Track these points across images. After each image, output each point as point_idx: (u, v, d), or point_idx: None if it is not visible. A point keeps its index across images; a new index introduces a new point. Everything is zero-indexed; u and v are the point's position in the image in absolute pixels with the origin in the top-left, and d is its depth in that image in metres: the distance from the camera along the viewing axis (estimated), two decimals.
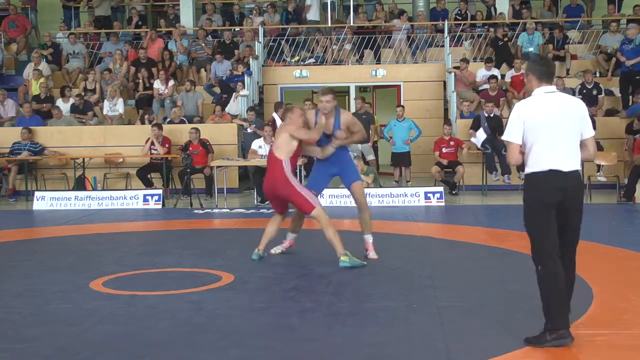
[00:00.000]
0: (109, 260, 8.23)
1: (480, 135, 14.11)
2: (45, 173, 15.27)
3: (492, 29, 17.94)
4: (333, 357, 4.94)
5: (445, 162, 14.15)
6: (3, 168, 15.07)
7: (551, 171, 5.02)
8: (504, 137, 5.19)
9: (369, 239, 8.21)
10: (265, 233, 8.08)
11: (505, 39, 17.35)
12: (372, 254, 8.11)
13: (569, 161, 5.04)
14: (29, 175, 14.90)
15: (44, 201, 13.46)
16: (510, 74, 16.36)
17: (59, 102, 16.17)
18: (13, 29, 19.33)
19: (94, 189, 14.76)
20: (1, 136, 15.50)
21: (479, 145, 13.18)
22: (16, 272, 7.79)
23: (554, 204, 5.06)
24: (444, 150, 14.23)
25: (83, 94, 16.57)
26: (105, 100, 16.22)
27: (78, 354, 5.04)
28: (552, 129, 5.02)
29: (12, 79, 18.52)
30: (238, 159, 14.55)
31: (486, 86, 15.91)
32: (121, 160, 15.16)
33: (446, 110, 16.90)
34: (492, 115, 14.33)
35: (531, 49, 17.12)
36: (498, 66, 16.84)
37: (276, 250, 8.37)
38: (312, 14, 18.87)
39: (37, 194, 13.71)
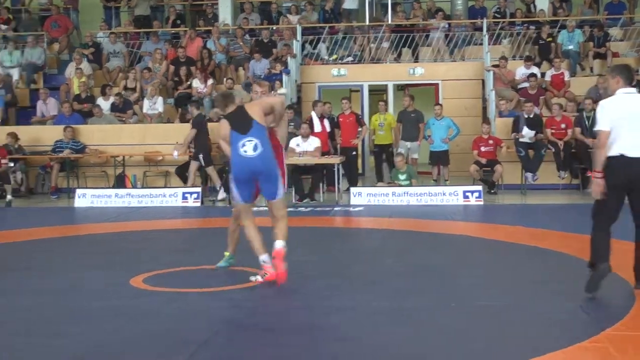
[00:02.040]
0: (148, 258, 8.31)
1: (527, 132, 14.12)
2: (86, 171, 15.45)
3: (532, 27, 17.80)
4: (371, 356, 4.93)
5: (483, 160, 14.05)
6: (46, 166, 15.29)
7: (620, 156, 6.04)
8: (596, 128, 6.26)
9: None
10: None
11: (549, 39, 17.18)
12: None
13: (636, 149, 6.02)
14: (70, 173, 15.09)
15: (85, 198, 13.63)
16: (550, 72, 16.19)
17: (100, 101, 16.36)
18: (55, 29, 19.57)
19: (134, 186, 14.90)
20: (44, 134, 15.72)
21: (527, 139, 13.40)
22: (57, 268, 7.91)
23: (620, 184, 6.06)
24: (482, 149, 14.14)
25: (123, 92, 16.74)
26: (145, 99, 16.37)
27: (117, 350, 5.09)
28: (625, 121, 6.07)
29: (55, 78, 18.76)
30: None
31: (525, 84, 15.77)
32: (160, 158, 15.29)
33: (484, 108, 16.79)
34: (531, 115, 14.22)
35: (571, 47, 16.95)
36: (538, 64, 16.69)
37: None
38: (349, 3, 18.88)
39: (78, 191, 13.89)
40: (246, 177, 6.92)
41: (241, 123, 6.94)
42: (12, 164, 14.66)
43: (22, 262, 8.31)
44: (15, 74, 17.95)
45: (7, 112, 16.87)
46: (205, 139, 14.07)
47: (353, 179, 14.65)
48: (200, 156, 13.92)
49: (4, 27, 19.70)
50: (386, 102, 16.49)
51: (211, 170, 14.09)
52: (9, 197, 13.80)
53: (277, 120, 7.25)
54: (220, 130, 7.20)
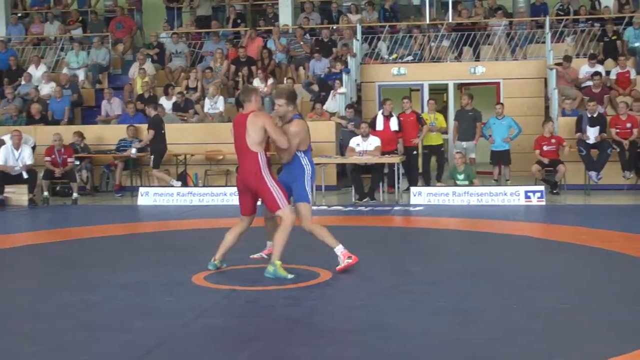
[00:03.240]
0: (210, 255, 8.38)
1: (592, 132, 13.91)
2: (149, 169, 15.68)
3: (596, 24, 17.49)
4: (431, 357, 4.92)
5: (546, 160, 13.86)
6: (110, 164, 15.59)
7: None
8: None
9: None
10: (223, 242, 7.54)
11: (614, 36, 16.86)
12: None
13: None
14: (133, 171, 15.36)
15: (148, 197, 13.85)
16: (615, 70, 15.88)
17: (162, 100, 16.61)
18: (120, 30, 19.94)
19: (195, 185, 15.09)
20: (108, 133, 16.04)
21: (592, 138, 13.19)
22: (122, 265, 8.06)
23: None
24: (544, 148, 13.95)
25: (185, 92, 16.96)
26: (207, 98, 16.56)
27: (180, 346, 5.17)
28: None
29: (119, 78, 19.11)
30: (336, 156, 14.62)
31: (589, 83, 15.51)
32: (221, 157, 15.44)
33: (547, 107, 16.57)
34: (595, 114, 13.99)
35: (638, 44, 16.61)
36: (603, 62, 16.39)
37: (255, 255, 8.05)
38: None
39: (141, 189, 14.12)
40: None
41: None
42: (78, 163, 15.00)
43: (88, 259, 8.51)
44: (81, 74, 18.35)
45: (73, 112, 17.25)
46: (160, 140, 14.37)
47: (413, 179, 14.60)
48: (151, 158, 14.41)
49: (74, 31, 20.15)
50: (436, 100, 16.13)
51: (157, 172, 14.46)
52: (75, 194, 14.11)
53: None
54: (300, 131, 7.31)
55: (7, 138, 14.23)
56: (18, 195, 13.81)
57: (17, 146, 13.88)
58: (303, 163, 7.36)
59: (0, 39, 20.06)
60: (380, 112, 14.55)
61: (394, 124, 14.31)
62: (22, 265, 8.33)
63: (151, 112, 14.62)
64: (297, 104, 7.55)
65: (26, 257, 8.89)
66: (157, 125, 14.37)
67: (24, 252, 9.25)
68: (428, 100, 15.72)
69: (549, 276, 7.19)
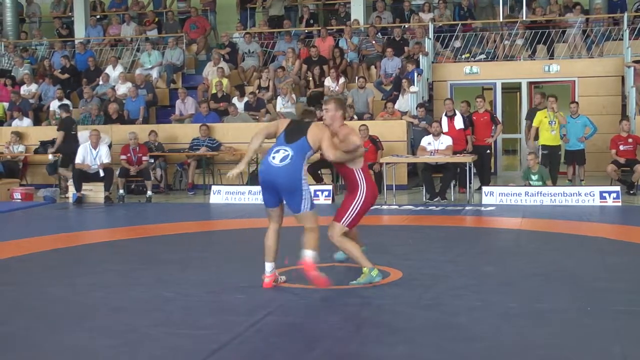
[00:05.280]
0: (282, 254, 8.45)
1: None
2: (221, 168, 15.90)
3: None
4: (502, 357, 4.88)
5: (622, 160, 13.58)
6: (183, 163, 15.85)
7: None
8: None
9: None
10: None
11: None
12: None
13: None
14: (206, 170, 15.58)
15: (220, 195, 14.04)
16: None
17: (235, 100, 16.81)
18: (194, 30, 20.27)
19: None
20: (182, 132, 16.30)
21: None
22: (195, 262, 8.19)
23: None
24: (621, 147, 13.66)
25: (257, 91, 17.13)
26: (279, 97, 16.69)
27: (251, 343, 5.24)
28: None
29: (192, 77, 19.42)
30: (407, 155, 14.58)
31: None
32: None
33: (624, 106, 16.22)
34: None
35: None
36: None
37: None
38: None
39: (213, 188, 14.32)
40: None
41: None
42: (152, 161, 15.29)
43: (161, 256, 8.66)
44: (154, 73, 18.70)
45: (148, 111, 17.60)
46: (71, 141, 15.02)
47: (485, 178, 14.46)
48: (60, 156, 15.16)
49: (149, 32, 20.56)
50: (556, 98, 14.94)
51: (63, 171, 15.21)
52: (149, 192, 14.39)
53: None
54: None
55: (83, 134, 14.84)
56: (95, 192, 14.18)
57: (95, 145, 14.21)
58: None
59: (79, 40, 20.61)
60: (443, 115, 14.42)
61: (458, 122, 14.20)
62: (97, 261, 8.53)
63: (62, 114, 15.52)
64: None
65: (102, 254, 9.10)
66: (68, 127, 15.16)
67: (100, 248, 9.50)
68: (548, 97, 14.29)
69: (623, 278, 7.04)
